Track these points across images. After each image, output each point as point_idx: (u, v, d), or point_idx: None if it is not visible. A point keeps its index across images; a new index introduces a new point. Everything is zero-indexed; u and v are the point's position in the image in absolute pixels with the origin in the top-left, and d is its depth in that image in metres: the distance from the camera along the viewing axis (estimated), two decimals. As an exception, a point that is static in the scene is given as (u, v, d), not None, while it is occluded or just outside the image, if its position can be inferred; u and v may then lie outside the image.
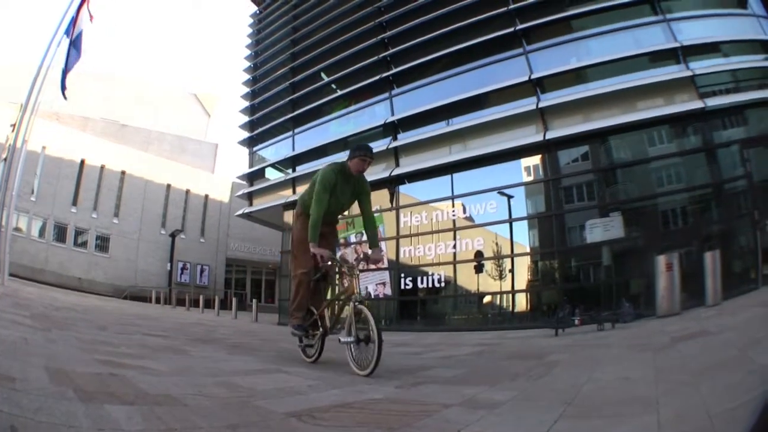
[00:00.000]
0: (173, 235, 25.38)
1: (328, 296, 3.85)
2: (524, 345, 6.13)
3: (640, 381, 2.62)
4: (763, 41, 10.40)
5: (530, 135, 11.12)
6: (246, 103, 18.86)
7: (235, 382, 2.56)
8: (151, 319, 9.08)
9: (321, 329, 3.63)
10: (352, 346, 3.22)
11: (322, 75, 15.74)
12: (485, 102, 12.00)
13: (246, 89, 19.14)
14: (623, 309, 8.24)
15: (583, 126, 10.60)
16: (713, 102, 9.80)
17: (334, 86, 15.40)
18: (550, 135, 10.75)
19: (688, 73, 10.11)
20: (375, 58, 13.94)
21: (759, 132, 9.85)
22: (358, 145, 3.74)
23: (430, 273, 12.08)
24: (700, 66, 10.31)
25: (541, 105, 11.01)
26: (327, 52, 15.51)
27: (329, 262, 3.60)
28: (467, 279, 11.81)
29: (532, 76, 11.21)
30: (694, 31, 10.73)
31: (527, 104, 11.19)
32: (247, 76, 19.38)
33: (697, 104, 9.79)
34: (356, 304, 3.23)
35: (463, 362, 4.31)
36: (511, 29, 11.70)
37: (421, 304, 12.55)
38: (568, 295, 9.84)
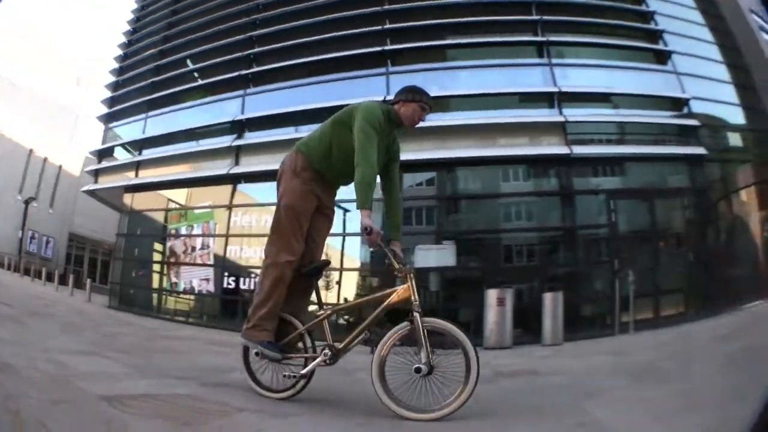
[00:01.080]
0: (27, 202, 22.81)
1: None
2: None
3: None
4: (671, 98, 10.64)
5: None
6: (112, 78, 17.36)
7: (62, 360, 2.79)
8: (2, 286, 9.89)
9: (308, 350, 2.52)
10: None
11: (188, 62, 14.57)
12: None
13: (115, 64, 17.62)
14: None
15: (433, 153, 10.02)
16: (580, 150, 9.80)
17: (195, 75, 14.22)
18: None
19: (560, 119, 10.07)
20: (239, 54, 13.05)
21: (627, 185, 10.22)
22: (413, 87, 2.73)
23: (254, 275, 11.10)
24: (575, 114, 10.28)
25: None
26: (198, 40, 14.41)
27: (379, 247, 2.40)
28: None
29: (387, 98, 10.12)
30: (582, 78, 10.66)
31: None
32: (119, 52, 17.82)
33: (563, 149, 9.77)
34: (422, 318, 2.24)
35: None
36: (380, 48, 11.25)
37: (242, 305, 11.37)
38: (389, 317, 8.85)
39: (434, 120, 10.18)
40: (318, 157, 2.59)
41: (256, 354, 2.48)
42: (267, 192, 11.15)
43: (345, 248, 10.49)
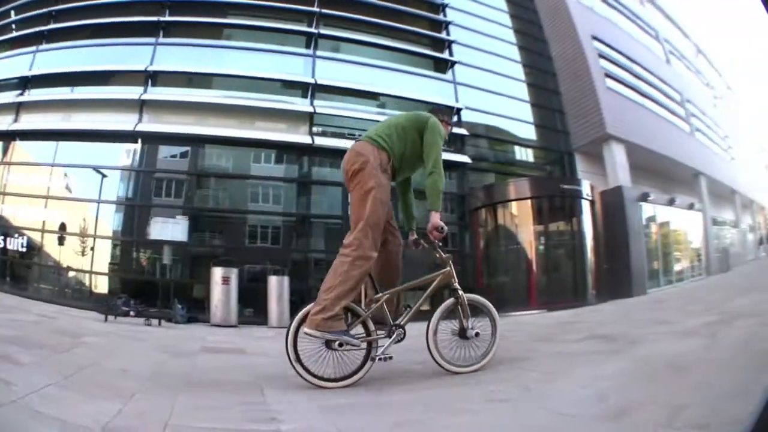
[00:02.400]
0: None
1: None
2: (72, 323, 6.13)
3: (137, 374, 2.88)
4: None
5: (129, 122, 10.39)
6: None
7: None
8: None
9: (371, 334, 2.68)
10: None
11: (12, 13, 13.67)
12: (109, 79, 11.23)
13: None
14: (175, 310, 8.32)
15: (188, 128, 10.24)
16: (321, 141, 10.27)
17: (13, 26, 13.24)
18: (144, 127, 10.21)
19: (309, 108, 10.46)
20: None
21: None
22: (451, 108, 3.48)
23: (17, 235, 10.79)
24: (323, 106, 10.70)
25: (145, 97, 10.45)
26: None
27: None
28: (55, 250, 10.69)
29: (149, 68, 10.59)
30: (343, 74, 11.06)
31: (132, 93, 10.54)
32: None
33: (306, 139, 10.23)
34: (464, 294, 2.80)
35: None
36: (155, 18, 11.24)
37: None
38: (131, 285, 9.63)
39: (197, 96, 10.48)
40: (397, 156, 2.84)
41: (339, 345, 2.52)
42: (43, 151, 11.16)
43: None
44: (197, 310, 8.75)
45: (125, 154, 10.55)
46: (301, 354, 2.57)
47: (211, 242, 10.27)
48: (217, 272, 8.35)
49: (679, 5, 17.23)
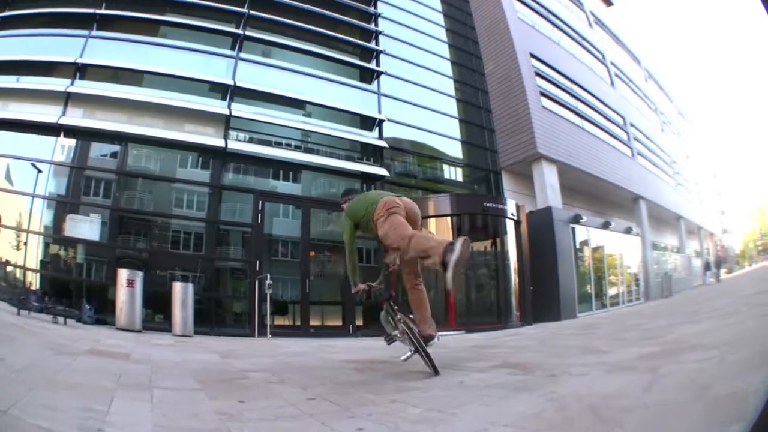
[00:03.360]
0: None
1: None
2: None
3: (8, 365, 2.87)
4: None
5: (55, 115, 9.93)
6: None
7: None
8: None
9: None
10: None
11: None
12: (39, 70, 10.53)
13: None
14: (83, 310, 8.23)
15: (114, 126, 9.89)
16: (234, 146, 10.08)
17: None
18: (68, 121, 9.79)
19: (225, 111, 10.22)
20: None
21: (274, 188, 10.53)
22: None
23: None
24: (239, 109, 10.43)
25: (71, 89, 10.05)
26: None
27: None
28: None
29: (78, 60, 10.27)
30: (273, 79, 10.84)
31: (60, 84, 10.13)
32: None
33: (220, 142, 9.99)
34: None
35: None
36: (92, 11, 10.89)
37: None
38: (50, 282, 9.33)
39: (124, 92, 10.12)
40: None
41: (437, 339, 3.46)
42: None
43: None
44: (109, 313, 8.39)
45: (58, 148, 10.06)
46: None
47: (130, 244, 9.83)
48: (122, 274, 8.02)
49: (627, 28, 17.44)
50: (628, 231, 15.05)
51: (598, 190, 13.78)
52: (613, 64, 15.97)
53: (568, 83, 13.43)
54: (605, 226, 13.75)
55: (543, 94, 12.39)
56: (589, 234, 13.23)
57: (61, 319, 7.15)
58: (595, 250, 13.66)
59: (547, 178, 11.78)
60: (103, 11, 10.86)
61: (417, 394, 2.56)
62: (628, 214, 15.58)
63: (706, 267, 21.09)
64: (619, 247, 14.49)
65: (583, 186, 12.99)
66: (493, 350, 5.06)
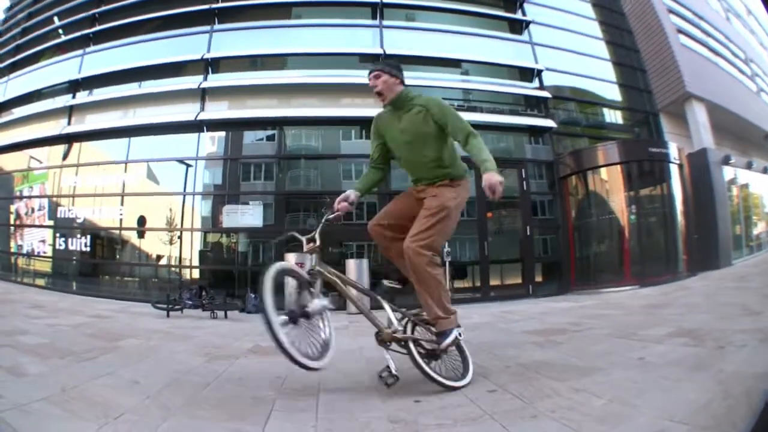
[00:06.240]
0: None
1: None
2: (123, 322, 5.86)
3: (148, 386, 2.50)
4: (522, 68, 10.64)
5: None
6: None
7: None
8: None
9: None
10: None
11: (55, 19, 13.50)
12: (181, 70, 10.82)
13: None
14: (248, 299, 8.06)
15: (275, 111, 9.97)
16: None
17: (60, 32, 13.15)
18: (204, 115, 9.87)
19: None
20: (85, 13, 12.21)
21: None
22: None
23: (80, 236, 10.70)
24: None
25: (204, 85, 10.17)
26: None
27: None
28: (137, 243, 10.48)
29: (205, 56, 10.36)
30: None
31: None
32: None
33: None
34: None
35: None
36: (207, 6, 10.87)
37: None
38: (207, 277, 9.44)
39: (277, 78, 10.24)
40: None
41: (459, 335, 2.55)
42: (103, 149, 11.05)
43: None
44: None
45: (209, 143, 10.31)
46: None
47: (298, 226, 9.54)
48: (291, 258, 7.52)
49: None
50: (765, 171, 14.28)
51: (737, 129, 13.11)
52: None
53: (696, 18, 12.81)
54: (749, 166, 13.08)
55: (679, 31, 11.84)
56: (736, 174, 12.60)
57: (221, 314, 6.86)
58: (742, 189, 13.03)
59: (699, 118, 11.26)
60: (221, 5, 10.87)
61: (599, 379, 2.39)
62: (762, 152, 14.82)
63: None
64: (759, 186, 13.79)
65: (725, 125, 12.35)
66: (667, 311, 5.02)
